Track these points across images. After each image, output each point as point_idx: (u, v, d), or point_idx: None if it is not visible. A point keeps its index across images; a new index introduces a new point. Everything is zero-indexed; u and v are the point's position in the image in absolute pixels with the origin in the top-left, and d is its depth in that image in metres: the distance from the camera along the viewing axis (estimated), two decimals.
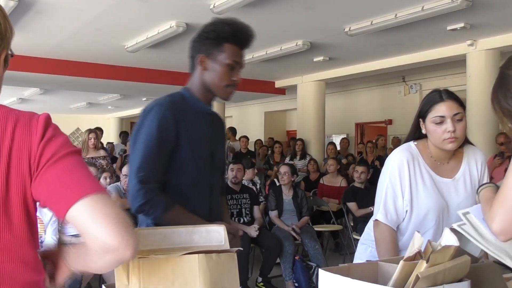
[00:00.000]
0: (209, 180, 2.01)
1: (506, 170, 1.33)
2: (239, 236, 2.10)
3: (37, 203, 1.09)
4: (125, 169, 4.71)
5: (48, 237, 3.99)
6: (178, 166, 1.89)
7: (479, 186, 1.55)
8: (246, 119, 14.31)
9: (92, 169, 4.84)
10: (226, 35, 1.92)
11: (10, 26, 1.12)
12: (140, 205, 1.79)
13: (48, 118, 1.08)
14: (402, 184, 1.98)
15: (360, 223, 5.44)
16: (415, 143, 2.04)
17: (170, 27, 6.12)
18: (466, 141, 2.04)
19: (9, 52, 1.15)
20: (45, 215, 4.01)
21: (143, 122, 1.86)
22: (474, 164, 2.05)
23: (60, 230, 4.26)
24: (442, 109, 1.92)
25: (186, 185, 1.91)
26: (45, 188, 1.03)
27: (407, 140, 2.09)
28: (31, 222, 1.08)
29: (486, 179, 2.05)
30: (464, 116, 1.94)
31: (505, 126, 1.32)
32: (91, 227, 0.99)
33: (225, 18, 1.97)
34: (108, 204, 1.02)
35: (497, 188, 1.48)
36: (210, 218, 1.95)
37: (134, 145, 1.87)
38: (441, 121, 1.92)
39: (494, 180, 2.39)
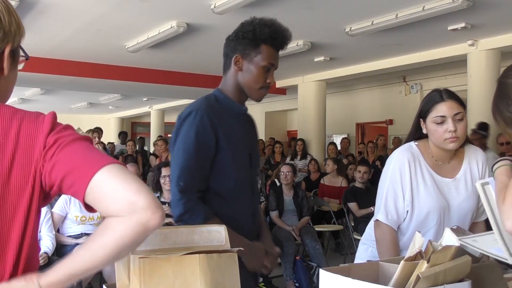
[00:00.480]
0: (250, 183, 1.98)
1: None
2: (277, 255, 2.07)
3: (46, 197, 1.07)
4: None
5: (44, 234, 3.98)
6: (218, 170, 1.86)
7: (495, 163, 1.41)
8: None
9: None
10: (265, 37, 1.87)
11: (17, 21, 1.11)
12: (180, 214, 1.78)
13: (54, 115, 1.08)
14: (403, 184, 1.98)
15: (361, 223, 5.44)
16: (416, 143, 2.04)
17: (171, 27, 6.12)
18: (467, 141, 2.04)
19: (22, 54, 1.15)
20: None
21: (180, 129, 1.83)
22: (475, 164, 2.06)
23: (59, 231, 4.25)
24: (443, 109, 1.92)
25: (227, 189, 1.88)
26: (63, 165, 1.01)
27: (408, 140, 2.09)
28: (34, 222, 1.07)
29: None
30: (465, 116, 1.94)
31: (507, 134, 1.29)
32: (118, 188, 0.97)
33: (264, 19, 1.91)
34: (130, 173, 1.02)
35: None
36: (254, 221, 1.95)
37: (173, 153, 1.85)
38: (442, 121, 1.92)
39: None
